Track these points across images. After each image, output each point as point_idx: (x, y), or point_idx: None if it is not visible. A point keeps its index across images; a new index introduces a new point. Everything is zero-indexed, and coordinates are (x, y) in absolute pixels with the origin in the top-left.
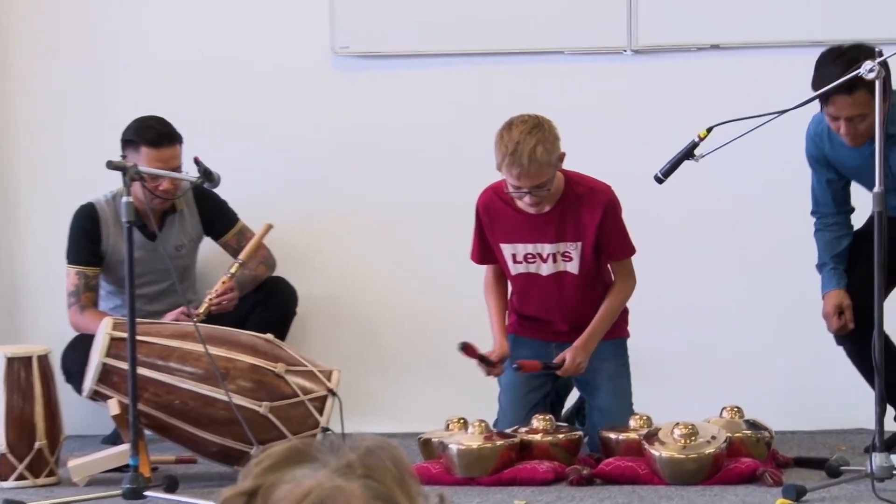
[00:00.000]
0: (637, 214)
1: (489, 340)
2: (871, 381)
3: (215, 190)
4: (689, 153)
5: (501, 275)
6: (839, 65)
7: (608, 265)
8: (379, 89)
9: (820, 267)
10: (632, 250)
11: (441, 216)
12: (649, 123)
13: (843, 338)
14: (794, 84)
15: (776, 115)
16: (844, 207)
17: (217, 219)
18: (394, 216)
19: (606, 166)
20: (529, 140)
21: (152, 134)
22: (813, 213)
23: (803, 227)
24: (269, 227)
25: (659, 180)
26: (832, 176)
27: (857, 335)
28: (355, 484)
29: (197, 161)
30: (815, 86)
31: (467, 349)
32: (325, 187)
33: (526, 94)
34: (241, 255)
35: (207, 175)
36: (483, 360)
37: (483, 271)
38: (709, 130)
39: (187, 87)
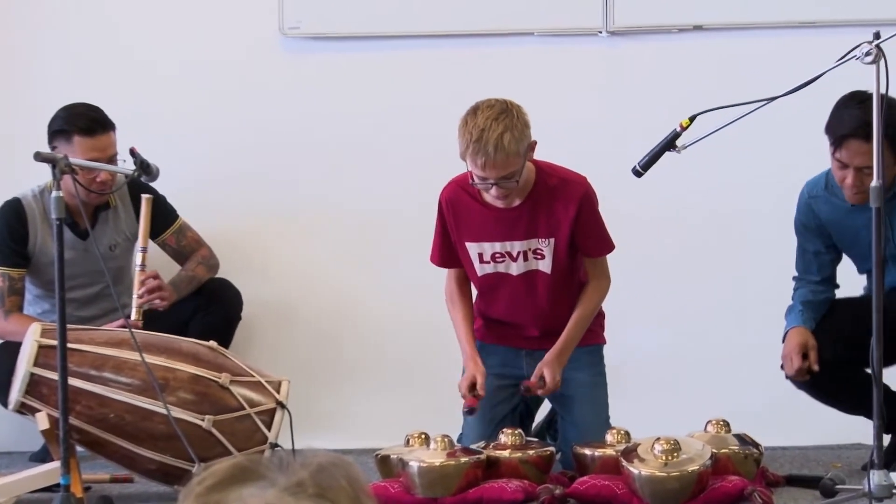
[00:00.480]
0: (613, 209)
1: (453, 351)
2: (843, 409)
3: (153, 184)
4: (670, 144)
5: (465, 281)
6: (861, 109)
7: (583, 263)
8: (332, 74)
9: (788, 310)
10: (610, 246)
11: (402, 213)
12: (627, 112)
13: (804, 382)
14: (783, 69)
15: (765, 102)
16: (829, 281)
17: (155, 216)
18: (349, 212)
19: (580, 158)
20: (496, 126)
21: (85, 121)
22: (794, 278)
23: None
24: (150, 199)
25: (637, 173)
26: (821, 248)
27: (822, 380)
28: (306, 503)
29: (133, 152)
30: (830, 129)
31: (474, 410)
32: (273, 181)
33: (492, 79)
34: (139, 241)
35: (145, 167)
36: (472, 389)
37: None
38: (691, 119)
39: (119, 73)
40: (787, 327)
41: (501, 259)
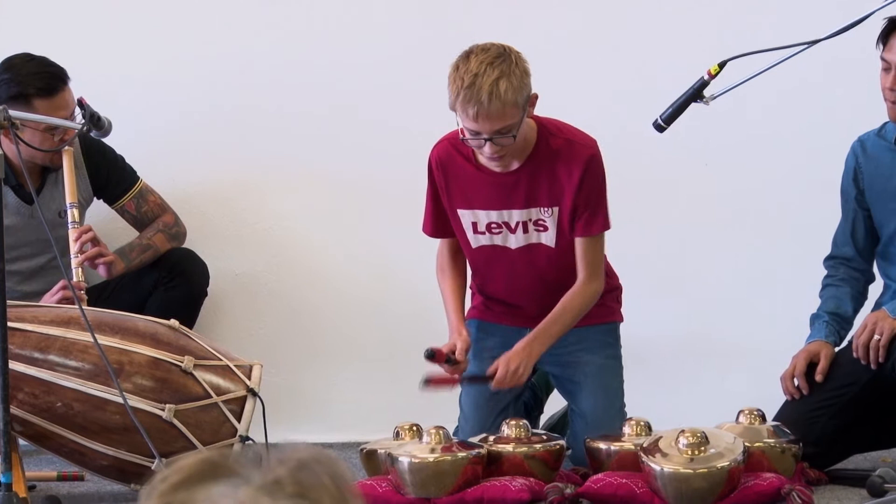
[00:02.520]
0: (633, 169)
1: (447, 335)
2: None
3: (107, 141)
4: (696, 94)
5: (458, 250)
6: None
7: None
8: (305, 16)
9: (814, 318)
10: (605, 225)
11: (390, 176)
12: (645, 57)
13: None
14: (825, 7)
15: (805, 46)
16: (864, 256)
17: (111, 178)
18: (331, 176)
19: (590, 110)
20: (491, 72)
21: (42, 80)
22: (826, 259)
23: (833, 188)
24: (70, 152)
25: (660, 128)
26: (860, 197)
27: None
28: None
29: (82, 103)
30: (880, 33)
31: (437, 356)
32: (246, 141)
33: (485, 19)
34: (67, 196)
35: (95, 121)
36: (450, 361)
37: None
38: (721, 66)
39: (68, 16)
40: (808, 339)
41: (498, 230)
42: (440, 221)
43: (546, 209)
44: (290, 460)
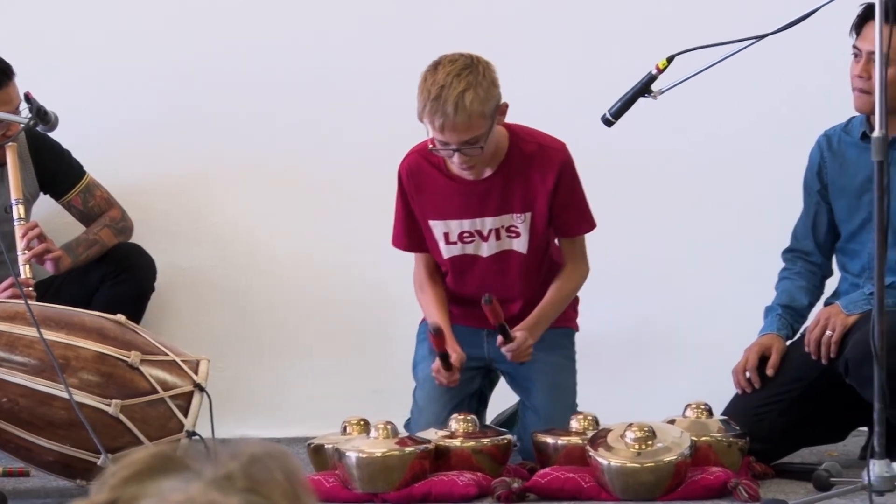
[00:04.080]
0: (583, 165)
1: (397, 326)
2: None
3: (54, 136)
4: (644, 89)
5: (436, 268)
6: None
7: (556, 243)
8: (256, 11)
9: (768, 310)
10: (590, 224)
11: (337, 171)
12: (594, 51)
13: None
14: (774, 2)
15: (753, 41)
16: (823, 251)
17: (58, 173)
18: (277, 170)
19: (540, 107)
20: (458, 84)
21: None
22: (785, 251)
23: (791, 184)
24: (14, 147)
25: (608, 122)
26: (822, 204)
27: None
28: (235, 499)
29: (29, 98)
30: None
31: (438, 336)
32: (194, 133)
33: (451, 23)
34: (12, 192)
35: (41, 115)
36: (444, 359)
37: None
38: (669, 60)
39: (12, 7)
40: (760, 332)
41: (470, 239)
42: (412, 235)
43: (519, 215)
44: (241, 455)
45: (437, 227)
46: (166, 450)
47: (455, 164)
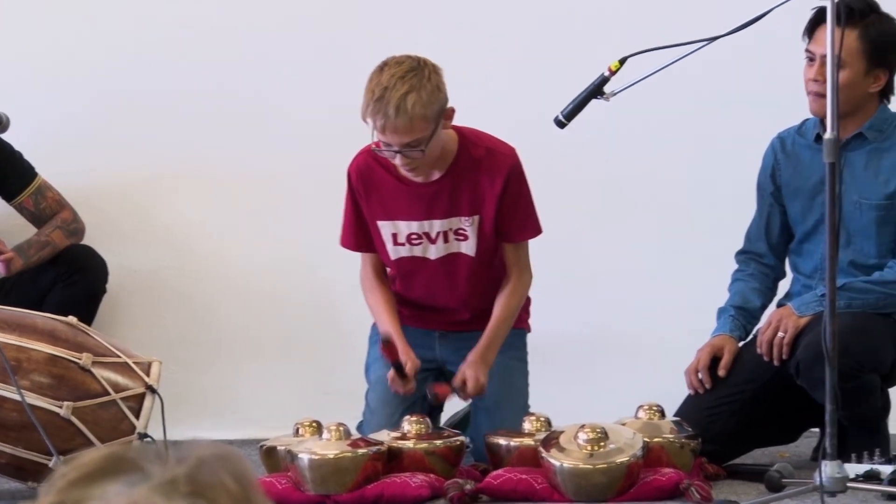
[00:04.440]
0: (533, 167)
1: (350, 329)
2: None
3: (4, 137)
4: (597, 91)
5: (384, 269)
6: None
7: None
8: (207, 9)
9: (720, 312)
10: (536, 230)
11: (290, 173)
12: (546, 54)
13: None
14: (726, 4)
15: (704, 43)
16: (776, 253)
17: (8, 175)
18: (229, 172)
19: (489, 107)
20: (401, 86)
21: None
22: (738, 253)
23: (743, 183)
24: None
25: (560, 124)
26: (775, 206)
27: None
28: None
29: None
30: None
31: (389, 347)
32: (145, 135)
33: (402, 23)
34: None
35: None
36: (398, 368)
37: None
38: (621, 62)
39: None
40: (713, 333)
41: (418, 241)
42: (361, 235)
43: (467, 218)
44: (188, 458)
45: (386, 228)
46: (117, 451)
47: (398, 165)
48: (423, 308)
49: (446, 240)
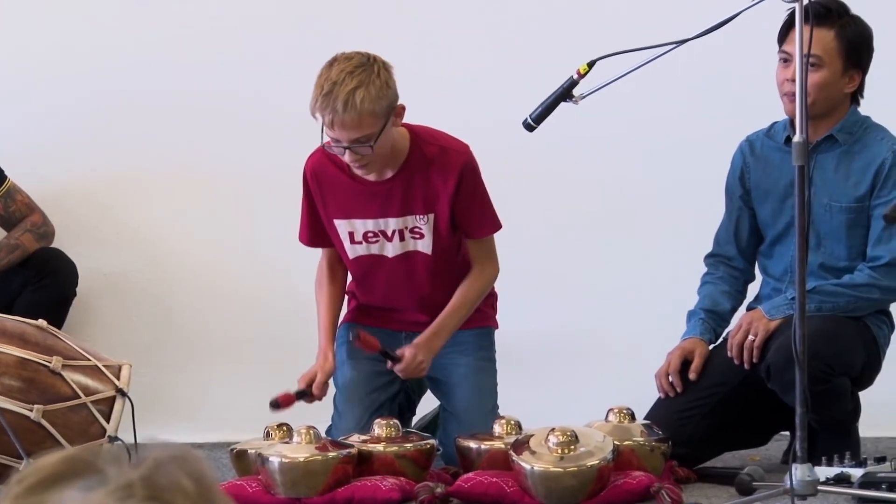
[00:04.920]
0: (500, 173)
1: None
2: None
3: None
4: (566, 94)
5: (339, 262)
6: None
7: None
8: (179, 13)
9: (690, 315)
10: (495, 226)
11: (261, 175)
12: (515, 56)
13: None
14: (696, 7)
15: (673, 46)
16: (746, 256)
17: None
18: (200, 174)
19: (461, 109)
20: (349, 81)
21: None
22: (707, 256)
23: (712, 186)
24: None
25: (529, 127)
26: (745, 196)
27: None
28: None
29: None
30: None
31: (281, 404)
32: (114, 137)
33: (364, 21)
34: None
35: None
36: (302, 395)
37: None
38: (590, 65)
39: None
40: (683, 336)
41: (375, 239)
42: (316, 231)
43: (422, 216)
44: (145, 461)
45: (342, 227)
46: (74, 454)
47: (348, 161)
48: (385, 309)
49: (402, 238)
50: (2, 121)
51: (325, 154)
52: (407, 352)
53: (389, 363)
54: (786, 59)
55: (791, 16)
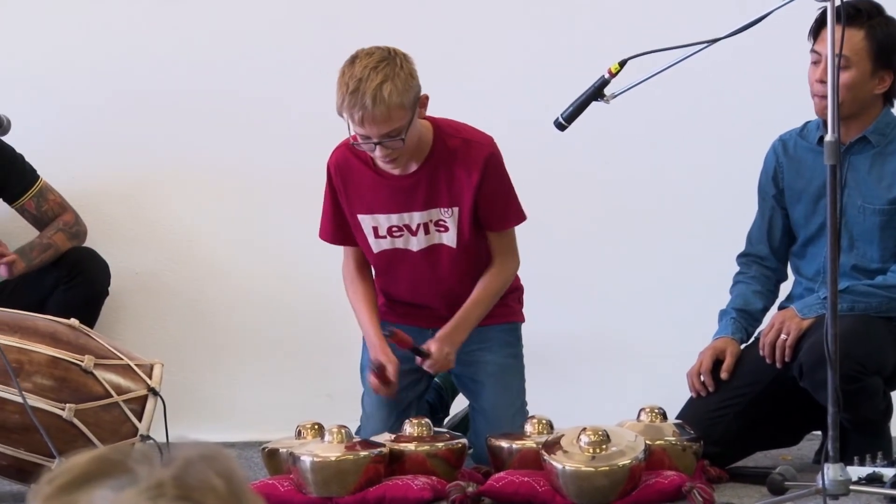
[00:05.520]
0: (534, 167)
1: (351, 331)
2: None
3: (6, 139)
4: (597, 93)
5: (365, 262)
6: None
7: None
8: (205, 14)
9: (722, 314)
10: (519, 217)
11: (290, 175)
12: (546, 56)
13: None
14: (726, 6)
15: (705, 45)
16: (778, 255)
17: (10, 177)
18: (230, 173)
19: (491, 108)
20: (375, 76)
21: None
22: (740, 256)
23: (744, 186)
24: None
25: (561, 127)
26: (778, 195)
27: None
28: None
29: None
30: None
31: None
32: (146, 137)
33: (383, 19)
34: None
35: None
36: (379, 370)
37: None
38: (621, 64)
39: None
40: (714, 335)
41: (399, 233)
42: (339, 228)
43: (446, 209)
44: (176, 460)
45: (366, 221)
46: (105, 453)
47: (378, 157)
48: (411, 305)
49: (427, 231)
50: (35, 121)
51: (348, 148)
52: (433, 346)
53: (418, 359)
54: (816, 61)
55: (822, 15)
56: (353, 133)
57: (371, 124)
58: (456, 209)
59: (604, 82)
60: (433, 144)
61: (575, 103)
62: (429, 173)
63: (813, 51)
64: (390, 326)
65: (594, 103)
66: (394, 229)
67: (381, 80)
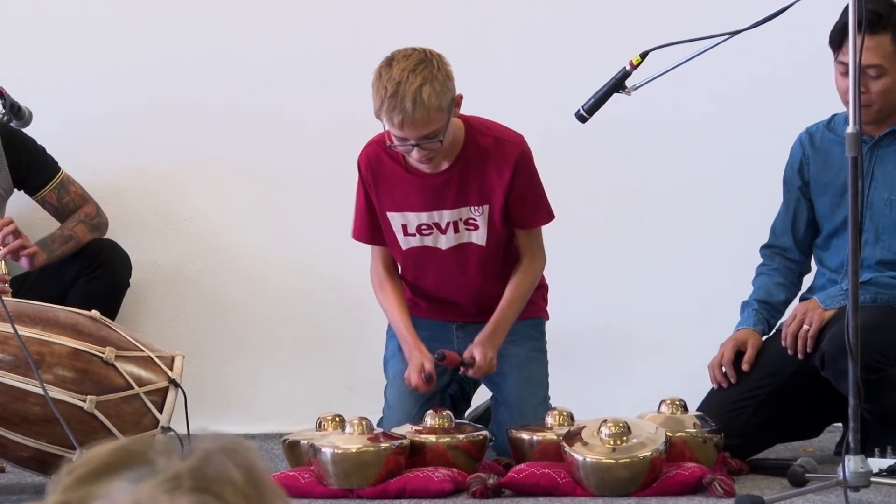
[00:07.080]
0: (557, 163)
1: (371, 322)
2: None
3: (27, 131)
4: (618, 85)
5: (393, 262)
6: (872, 2)
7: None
8: (228, 8)
9: (744, 305)
10: (548, 216)
11: (312, 169)
12: (566, 48)
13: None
14: None
15: (727, 36)
16: (802, 248)
17: (32, 169)
18: (252, 166)
19: (512, 102)
20: (414, 79)
21: None
22: (763, 247)
23: (769, 181)
24: None
25: (582, 118)
26: (802, 200)
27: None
28: (183, 500)
29: (2, 93)
30: (833, 34)
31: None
32: (168, 128)
33: (409, 16)
34: None
35: (15, 111)
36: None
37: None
38: (643, 56)
39: None
40: (736, 326)
41: (429, 231)
42: (372, 226)
43: (476, 208)
44: (195, 452)
45: (395, 219)
46: (127, 444)
47: (413, 158)
48: (435, 300)
49: (457, 230)
50: (57, 114)
51: (379, 145)
52: (477, 353)
53: (463, 368)
54: (844, 73)
55: (841, 24)
56: (386, 132)
57: (411, 127)
58: (486, 207)
59: (625, 74)
60: (465, 142)
61: (596, 95)
62: (460, 171)
63: (839, 62)
64: (440, 350)
65: (616, 95)
66: (423, 227)
67: (420, 82)
